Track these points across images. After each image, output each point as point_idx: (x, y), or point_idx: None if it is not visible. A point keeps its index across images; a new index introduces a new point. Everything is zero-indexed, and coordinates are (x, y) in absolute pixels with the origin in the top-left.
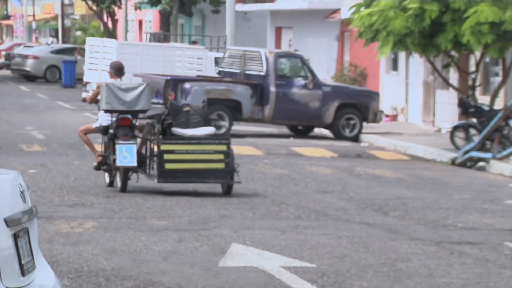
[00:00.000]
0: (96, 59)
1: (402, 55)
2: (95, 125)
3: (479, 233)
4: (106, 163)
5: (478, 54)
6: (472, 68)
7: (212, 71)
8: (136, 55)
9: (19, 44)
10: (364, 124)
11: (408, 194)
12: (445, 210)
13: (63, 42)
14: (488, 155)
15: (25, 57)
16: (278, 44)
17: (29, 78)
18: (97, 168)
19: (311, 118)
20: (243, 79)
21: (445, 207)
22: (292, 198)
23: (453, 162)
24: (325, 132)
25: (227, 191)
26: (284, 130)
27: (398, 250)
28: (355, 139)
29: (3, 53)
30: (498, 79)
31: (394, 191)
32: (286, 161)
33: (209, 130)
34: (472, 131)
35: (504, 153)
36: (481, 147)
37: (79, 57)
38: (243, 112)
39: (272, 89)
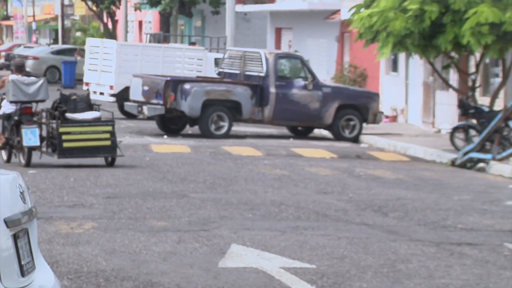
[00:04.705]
0: (96, 59)
1: (402, 56)
2: None
3: (479, 234)
4: (8, 144)
5: (478, 55)
6: (472, 69)
7: (212, 72)
8: (136, 56)
9: (19, 45)
10: (364, 125)
11: (408, 195)
12: (444, 211)
13: (63, 42)
14: (488, 156)
15: (25, 57)
16: (278, 45)
17: None
18: (1, 148)
19: (311, 119)
20: (243, 80)
21: (444, 208)
22: (292, 199)
23: (453, 163)
24: (325, 133)
25: (111, 163)
26: (284, 131)
27: (398, 251)
28: (355, 140)
29: (3, 53)
30: (498, 80)
31: (394, 192)
32: (286, 162)
33: (95, 114)
34: (472, 132)
35: (504, 154)
36: (481, 148)
37: (79, 58)
38: (243, 113)
39: (272, 90)
